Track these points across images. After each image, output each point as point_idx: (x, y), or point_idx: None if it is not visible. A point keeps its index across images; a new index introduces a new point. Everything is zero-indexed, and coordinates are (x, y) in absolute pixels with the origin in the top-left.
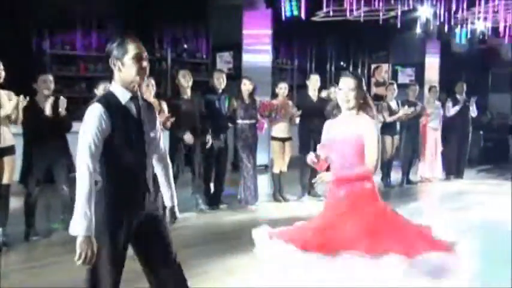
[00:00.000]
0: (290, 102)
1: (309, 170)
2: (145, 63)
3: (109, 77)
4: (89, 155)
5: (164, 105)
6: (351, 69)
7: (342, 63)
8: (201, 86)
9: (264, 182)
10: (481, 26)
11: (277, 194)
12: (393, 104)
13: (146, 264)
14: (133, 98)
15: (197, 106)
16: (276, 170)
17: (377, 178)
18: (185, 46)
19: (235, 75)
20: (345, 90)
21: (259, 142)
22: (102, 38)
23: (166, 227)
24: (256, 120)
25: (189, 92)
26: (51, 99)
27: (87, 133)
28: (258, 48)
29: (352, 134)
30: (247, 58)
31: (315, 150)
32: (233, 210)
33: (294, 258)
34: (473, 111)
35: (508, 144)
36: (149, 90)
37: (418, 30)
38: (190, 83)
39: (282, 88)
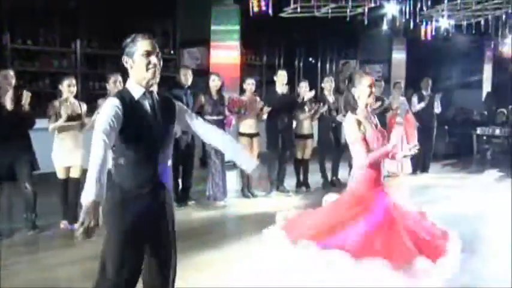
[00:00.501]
0: (258, 98)
1: (276, 165)
2: (155, 60)
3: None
4: (104, 130)
5: None
6: (318, 65)
7: (310, 59)
8: (168, 82)
9: (232, 178)
10: (445, 23)
11: (246, 190)
12: None
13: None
14: (148, 93)
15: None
16: None
17: (345, 173)
18: None
19: (202, 71)
20: (369, 86)
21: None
22: (66, 33)
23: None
24: (224, 116)
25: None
26: (11, 93)
27: (103, 117)
28: (226, 44)
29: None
30: (215, 54)
31: (283, 146)
32: (201, 206)
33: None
34: (437, 107)
35: (472, 139)
36: (117, 87)
37: (385, 27)
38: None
39: (250, 84)
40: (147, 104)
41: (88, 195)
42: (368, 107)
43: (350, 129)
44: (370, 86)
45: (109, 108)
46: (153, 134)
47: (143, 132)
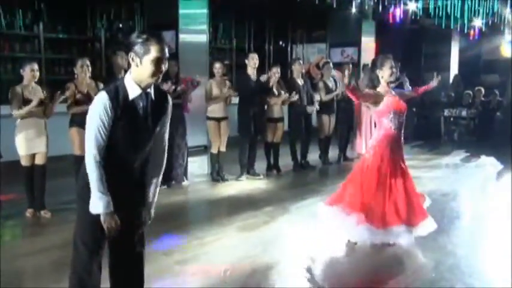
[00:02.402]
0: (227, 82)
1: (247, 149)
2: (163, 67)
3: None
4: (95, 146)
5: (102, 86)
6: (288, 49)
7: (280, 42)
8: None
9: (203, 163)
10: (413, 6)
11: (215, 174)
12: (330, 83)
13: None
14: (144, 94)
15: None
16: (214, 150)
17: (315, 156)
18: (120, 25)
19: (171, 55)
20: (391, 68)
21: (197, 123)
22: (27, 17)
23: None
24: (182, 100)
25: (123, 72)
26: None
27: (93, 124)
28: (194, 28)
29: (398, 99)
30: (183, 38)
31: (254, 129)
32: (168, 191)
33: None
34: (406, 88)
35: (440, 120)
36: (84, 71)
37: (354, 10)
38: (126, 64)
39: (217, 68)
40: (140, 105)
41: (99, 209)
42: (389, 83)
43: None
44: (391, 68)
45: (98, 111)
46: (141, 136)
47: (131, 132)
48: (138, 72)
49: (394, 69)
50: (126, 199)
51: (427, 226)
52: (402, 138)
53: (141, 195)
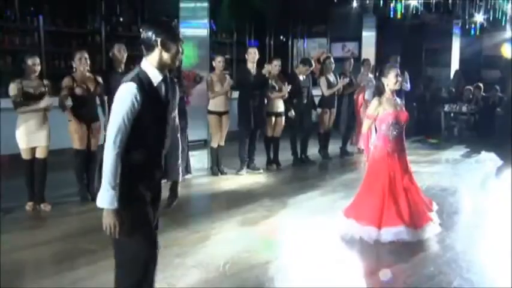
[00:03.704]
0: (227, 76)
1: (247, 143)
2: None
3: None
4: (118, 135)
5: (100, 80)
6: (289, 43)
7: (281, 37)
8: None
9: (203, 157)
10: (414, 1)
11: (215, 168)
12: (331, 78)
13: None
14: (164, 78)
15: None
16: (214, 145)
17: (314, 150)
18: (120, 19)
19: None
20: (399, 78)
21: (198, 117)
22: (27, 10)
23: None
24: (184, 93)
25: (123, 66)
26: None
27: (119, 113)
28: (195, 21)
29: (401, 109)
30: (184, 31)
31: (254, 124)
32: (167, 184)
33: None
34: (405, 86)
35: (441, 115)
36: (82, 64)
37: (355, 4)
38: (125, 57)
39: (218, 61)
40: (162, 90)
41: (103, 203)
42: (393, 91)
43: (370, 107)
44: (396, 76)
45: (126, 102)
46: (164, 120)
47: (156, 118)
48: (164, 59)
49: (399, 78)
50: (157, 189)
51: (431, 229)
52: (404, 143)
53: (160, 181)
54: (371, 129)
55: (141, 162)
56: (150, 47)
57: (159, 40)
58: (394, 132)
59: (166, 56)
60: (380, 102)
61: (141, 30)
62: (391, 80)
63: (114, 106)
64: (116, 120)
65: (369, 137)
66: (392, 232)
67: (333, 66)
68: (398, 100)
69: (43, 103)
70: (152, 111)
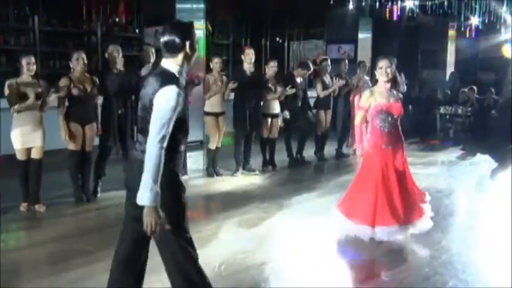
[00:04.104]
0: (224, 77)
1: (242, 145)
2: None
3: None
4: (162, 135)
5: (97, 80)
6: (285, 44)
7: (277, 38)
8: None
9: (199, 158)
10: (410, 3)
11: (211, 169)
12: (326, 79)
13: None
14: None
15: (128, 81)
16: (212, 146)
17: (310, 152)
18: (116, 19)
19: None
20: (385, 68)
21: (194, 118)
22: (23, 9)
23: None
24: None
25: (119, 66)
26: None
27: (166, 113)
28: None
29: (395, 101)
30: None
31: (250, 125)
32: None
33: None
34: (402, 87)
35: (436, 117)
36: (80, 64)
37: (351, 6)
38: (121, 57)
39: (216, 62)
40: (184, 91)
41: (144, 201)
42: (387, 83)
43: (362, 98)
44: (384, 68)
45: (173, 105)
46: (187, 121)
47: (184, 122)
48: (189, 59)
49: (388, 70)
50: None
51: (422, 225)
52: (399, 136)
53: None
54: (366, 124)
55: (179, 159)
56: (176, 49)
57: (187, 43)
58: (387, 125)
59: (190, 57)
60: (372, 92)
61: (163, 33)
62: (378, 71)
63: (160, 107)
64: (162, 120)
65: (362, 130)
66: (386, 232)
67: (329, 68)
68: (394, 93)
69: (30, 100)
70: (184, 110)
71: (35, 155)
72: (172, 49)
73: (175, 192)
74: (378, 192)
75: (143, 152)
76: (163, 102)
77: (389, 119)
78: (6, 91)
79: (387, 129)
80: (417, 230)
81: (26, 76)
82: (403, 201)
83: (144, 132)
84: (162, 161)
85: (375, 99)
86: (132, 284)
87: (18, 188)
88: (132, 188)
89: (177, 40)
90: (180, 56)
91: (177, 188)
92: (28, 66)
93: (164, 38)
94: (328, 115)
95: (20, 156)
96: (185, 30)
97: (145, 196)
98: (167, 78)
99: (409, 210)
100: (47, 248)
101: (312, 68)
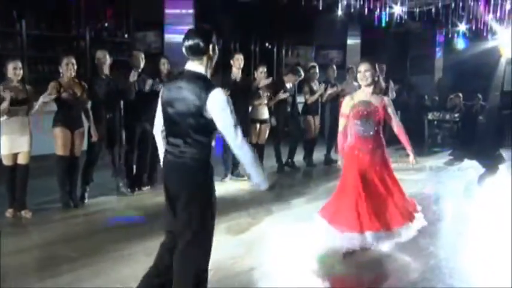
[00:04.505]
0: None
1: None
2: None
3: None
4: (240, 129)
5: (85, 86)
6: (275, 50)
7: (266, 44)
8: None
9: None
10: (399, 10)
11: None
12: (315, 86)
13: None
14: None
15: (116, 86)
16: None
17: (299, 157)
18: (105, 24)
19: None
20: (363, 72)
21: None
22: (10, 13)
23: None
24: None
25: (107, 71)
26: None
27: (231, 112)
28: (180, 28)
29: (376, 106)
30: (169, 38)
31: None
32: (155, 192)
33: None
34: (391, 94)
35: (424, 123)
36: (69, 69)
37: (340, 12)
38: (108, 63)
39: None
40: None
41: (266, 183)
42: (366, 87)
43: (343, 105)
44: (361, 71)
45: (229, 102)
46: None
47: None
48: (212, 60)
49: (367, 74)
50: None
51: (409, 231)
52: (379, 141)
53: None
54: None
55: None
56: (200, 52)
57: (210, 46)
58: (366, 129)
59: (212, 58)
60: (352, 98)
61: (187, 38)
62: (358, 75)
63: (221, 108)
64: (231, 118)
65: (343, 137)
66: (374, 237)
67: (317, 75)
68: (377, 97)
69: (3, 105)
70: None
71: (22, 160)
72: (197, 52)
73: (212, 186)
74: (359, 198)
75: (182, 154)
76: (222, 103)
77: (369, 123)
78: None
79: (366, 134)
80: (404, 237)
81: (12, 81)
82: (388, 207)
83: (184, 136)
84: (253, 150)
85: (354, 104)
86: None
87: (4, 194)
88: (176, 193)
89: (201, 44)
90: (205, 58)
91: (212, 182)
92: (15, 71)
93: (189, 42)
94: (316, 121)
95: (6, 161)
96: (207, 35)
97: (263, 184)
98: (205, 81)
99: (394, 216)
100: (33, 254)
101: (303, 74)
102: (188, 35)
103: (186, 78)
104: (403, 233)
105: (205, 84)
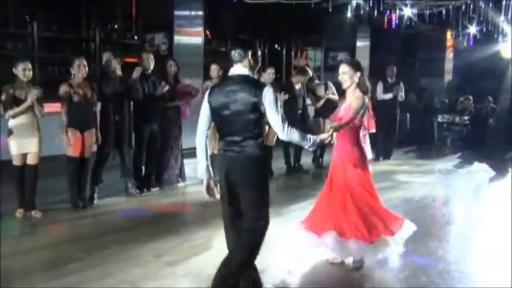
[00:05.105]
0: None
1: None
2: None
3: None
4: (285, 118)
5: (95, 87)
6: (284, 52)
7: (276, 46)
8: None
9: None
10: (408, 12)
11: None
12: (319, 91)
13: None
14: None
15: (124, 87)
16: (208, 152)
17: (308, 159)
18: (115, 26)
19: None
20: (341, 74)
21: (193, 124)
22: (22, 16)
23: None
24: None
25: (117, 73)
26: None
27: (280, 107)
28: (189, 30)
29: (346, 105)
30: (178, 39)
31: None
32: (163, 193)
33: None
34: (400, 96)
35: (434, 126)
36: (81, 71)
37: (349, 14)
38: (117, 64)
39: (214, 69)
40: None
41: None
42: (347, 89)
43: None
44: (339, 74)
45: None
46: None
47: None
48: (253, 68)
49: (345, 76)
50: None
51: (382, 248)
52: (350, 149)
53: None
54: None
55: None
56: (243, 58)
57: (249, 52)
58: (337, 135)
59: (253, 66)
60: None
61: (233, 46)
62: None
63: (275, 101)
64: (281, 111)
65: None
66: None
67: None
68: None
69: (27, 102)
70: None
71: (31, 160)
72: (238, 57)
73: (268, 173)
74: (323, 202)
75: (243, 148)
76: (273, 98)
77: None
78: (3, 97)
79: (336, 140)
80: (379, 253)
81: (22, 82)
82: (364, 218)
83: (243, 132)
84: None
85: (340, 109)
86: None
87: (14, 194)
88: (238, 182)
89: (242, 51)
90: (246, 62)
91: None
92: (24, 71)
93: (234, 50)
94: (327, 123)
95: (16, 162)
96: (246, 45)
97: (312, 147)
98: (255, 80)
99: (370, 227)
100: (42, 254)
101: (311, 74)
102: (234, 44)
103: (236, 81)
104: (379, 249)
105: (256, 83)
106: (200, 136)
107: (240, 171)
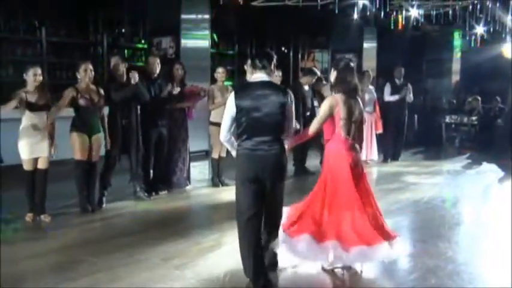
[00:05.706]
0: (229, 87)
1: None
2: None
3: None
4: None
5: (102, 92)
6: (291, 54)
7: (282, 48)
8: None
9: (204, 168)
10: (415, 13)
11: (216, 179)
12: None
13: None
14: None
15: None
16: (215, 155)
17: (316, 161)
18: (122, 30)
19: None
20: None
21: (199, 128)
22: (30, 21)
23: None
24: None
25: (123, 77)
26: None
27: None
28: (196, 33)
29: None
30: (185, 43)
31: None
32: (172, 196)
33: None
34: (409, 97)
35: (442, 127)
36: (88, 75)
37: (356, 16)
38: (125, 68)
39: (219, 73)
40: None
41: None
42: (334, 91)
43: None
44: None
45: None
46: None
47: None
48: (272, 74)
49: (331, 77)
50: None
51: (383, 252)
52: (334, 147)
53: None
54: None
55: None
56: (265, 67)
57: (273, 63)
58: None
59: (274, 71)
60: (336, 101)
61: (258, 56)
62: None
63: (292, 103)
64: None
65: None
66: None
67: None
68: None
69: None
70: None
71: (41, 165)
72: (261, 66)
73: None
74: (311, 204)
75: (271, 147)
76: (293, 98)
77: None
78: (15, 102)
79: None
80: (356, 259)
81: (32, 87)
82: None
83: (272, 132)
84: None
85: (340, 109)
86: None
87: (24, 199)
88: (268, 178)
89: (265, 62)
90: (268, 70)
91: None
92: (35, 77)
93: (259, 60)
94: None
95: (27, 166)
96: (269, 56)
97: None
98: (278, 86)
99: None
100: (51, 258)
101: (318, 74)
102: (259, 56)
103: (262, 86)
104: (356, 256)
105: (279, 87)
106: (227, 135)
107: (273, 168)
